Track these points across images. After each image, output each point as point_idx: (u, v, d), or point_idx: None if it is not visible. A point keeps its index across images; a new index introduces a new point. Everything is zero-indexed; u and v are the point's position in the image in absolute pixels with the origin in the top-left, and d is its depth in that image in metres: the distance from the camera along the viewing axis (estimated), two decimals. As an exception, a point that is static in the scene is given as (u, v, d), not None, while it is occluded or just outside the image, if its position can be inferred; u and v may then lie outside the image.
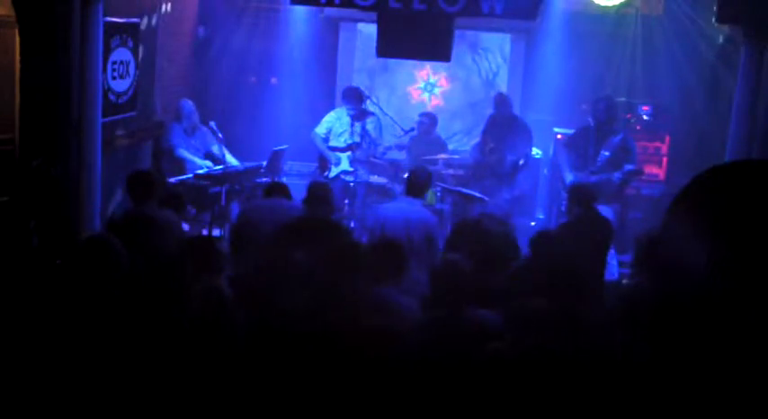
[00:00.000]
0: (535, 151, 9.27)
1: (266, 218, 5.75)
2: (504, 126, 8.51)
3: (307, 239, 5.07)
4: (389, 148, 8.78)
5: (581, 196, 6.14)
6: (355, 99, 8.36)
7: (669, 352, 3.50)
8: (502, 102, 8.59)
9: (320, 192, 5.79)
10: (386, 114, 8.81)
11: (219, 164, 7.98)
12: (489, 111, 8.89)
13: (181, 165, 8.15)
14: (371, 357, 3.77)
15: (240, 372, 3.85)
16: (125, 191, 5.73)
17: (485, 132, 8.71)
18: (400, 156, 9.10)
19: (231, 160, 8.14)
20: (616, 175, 7.44)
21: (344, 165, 8.43)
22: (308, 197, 5.78)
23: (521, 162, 8.42)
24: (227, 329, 4.07)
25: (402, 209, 5.99)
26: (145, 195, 5.58)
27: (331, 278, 4.41)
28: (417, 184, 6.06)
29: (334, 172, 8.47)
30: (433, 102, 10.16)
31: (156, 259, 5.17)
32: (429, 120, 9.31)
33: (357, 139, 8.35)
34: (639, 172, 7.64)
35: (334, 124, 8.49)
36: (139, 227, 5.37)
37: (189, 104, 8.39)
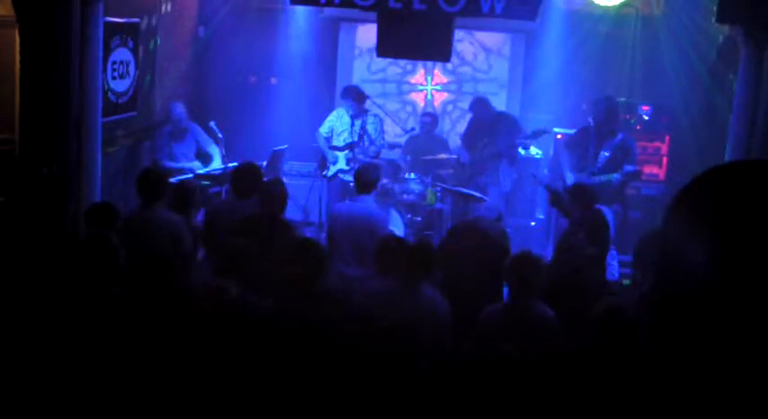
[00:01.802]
0: (535, 151, 9.28)
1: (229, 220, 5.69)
2: (491, 125, 8.51)
3: (257, 237, 5.09)
4: (382, 147, 8.77)
5: (582, 197, 6.13)
6: (354, 97, 8.36)
7: (670, 351, 3.49)
8: (482, 105, 8.60)
9: (271, 189, 5.78)
10: (387, 113, 8.81)
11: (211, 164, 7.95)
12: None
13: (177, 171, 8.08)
14: (399, 355, 3.78)
15: (250, 371, 3.84)
16: (136, 191, 5.65)
17: (469, 135, 8.72)
18: (393, 154, 9.10)
19: (216, 163, 8.02)
20: (615, 177, 7.43)
21: (341, 164, 8.43)
22: (261, 194, 5.76)
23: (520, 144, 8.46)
24: (233, 328, 4.06)
25: (350, 207, 6.33)
26: (155, 195, 5.55)
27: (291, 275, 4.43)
28: (365, 181, 6.23)
29: (331, 171, 8.48)
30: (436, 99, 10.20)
31: (161, 260, 5.16)
32: (431, 119, 9.33)
33: (356, 138, 8.35)
34: (639, 173, 7.64)
35: (335, 123, 8.50)
36: (147, 229, 5.35)
37: (178, 108, 8.09)
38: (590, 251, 5.61)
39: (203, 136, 8.14)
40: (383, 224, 6.19)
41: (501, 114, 8.74)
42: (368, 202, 6.17)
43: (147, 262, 5.11)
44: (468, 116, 8.99)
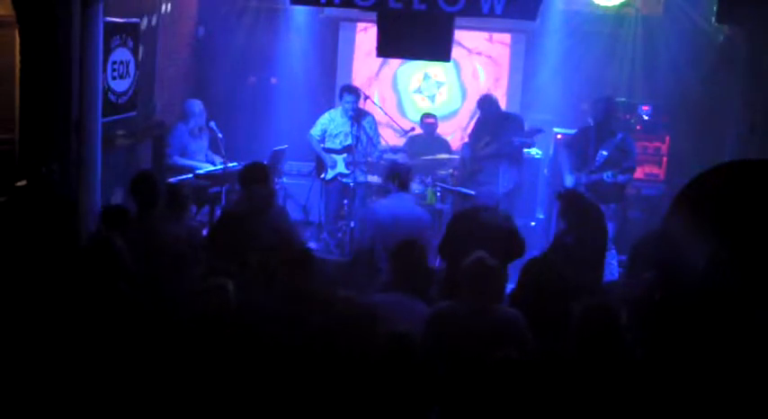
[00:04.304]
0: (535, 151, 9.27)
1: None
2: (496, 124, 8.48)
3: None
4: (385, 151, 8.75)
5: (572, 204, 6.12)
6: (355, 98, 8.32)
7: (670, 349, 3.50)
8: (489, 103, 8.57)
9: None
10: (386, 114, 8.80)
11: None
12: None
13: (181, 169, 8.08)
14: (387, 361, 3.76)
15: (245, 372, 3.84)
16: (127, 193, 5.66)
17: (475, 133, 8.71)
18: (396, 157, 9.07)
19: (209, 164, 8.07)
20: (606, 175, 7.43)
21: (340, 168, 8.38)
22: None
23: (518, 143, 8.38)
24: (231, 328, 4.06)
25: (394, 206, 6.08)
26: (150, 201, 5.53)
27: None
28: (406, 179, 6.18)
29: (330, 174, 8.42)
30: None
31: (160, 263, 5.15)
32: (433, 120, 9.33)
33: (355, 141, 8.29)
34: (631, 169, 7.61)
35: (329, 125, 8.42)
36: (144, 235, 5.34)
37: (197, 104, 8.18)
38: (579, 251, 5.55)
39: (214, 142, 8.14)
40: (428, 227, 6.03)
41: (508, 115, 8.70)
42: (410, 202, 6.06)
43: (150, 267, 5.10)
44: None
